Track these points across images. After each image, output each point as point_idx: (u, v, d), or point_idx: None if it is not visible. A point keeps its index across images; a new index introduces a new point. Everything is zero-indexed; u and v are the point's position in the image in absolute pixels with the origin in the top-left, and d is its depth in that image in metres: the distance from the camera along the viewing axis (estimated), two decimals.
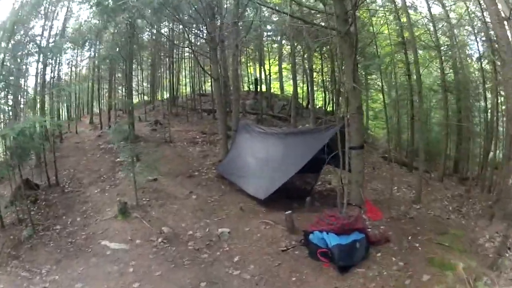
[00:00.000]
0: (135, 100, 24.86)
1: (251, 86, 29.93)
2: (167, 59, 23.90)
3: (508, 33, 7.51)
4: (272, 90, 28.36)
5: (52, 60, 15.85)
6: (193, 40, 18.46)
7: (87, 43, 18.41)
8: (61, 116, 20.71)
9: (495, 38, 13.43)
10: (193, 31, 17.41)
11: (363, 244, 7.50)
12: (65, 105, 21.67)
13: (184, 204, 10.65)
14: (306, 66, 22.00)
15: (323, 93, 26.95)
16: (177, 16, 14.19)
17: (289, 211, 8.79)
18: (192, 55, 20.23)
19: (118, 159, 13.93)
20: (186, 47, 20.45)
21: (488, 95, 17.66)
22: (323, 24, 11.38)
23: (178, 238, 8.95)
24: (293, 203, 10.77)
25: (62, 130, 17.54)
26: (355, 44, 9.40)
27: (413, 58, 15.82)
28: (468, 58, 18.64)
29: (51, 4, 15.29)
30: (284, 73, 29.67)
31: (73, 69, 21.41)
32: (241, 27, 15.11)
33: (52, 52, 13.48)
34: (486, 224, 9.83)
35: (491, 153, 16.85)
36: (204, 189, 12.12)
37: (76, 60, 20.87)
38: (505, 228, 7.47)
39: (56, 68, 17.74)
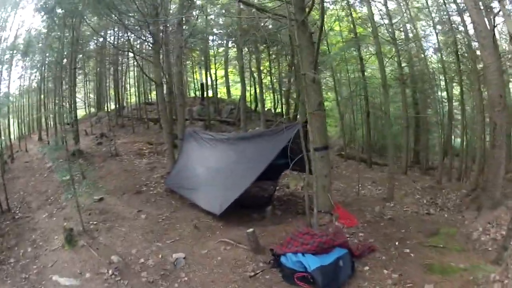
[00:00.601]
0: (82, 112, 24.50)
1: (197, 92, 29.76)
2: (112, 68, 23.21)
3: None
4: (219, 95, 28.43)
5: None
6: (136, 44, 17.12)
7: (35, 54, 18.02)
8: (12, 134, 19.71)
9: (458, 28, 13.40)
10: (134, 33, 16.05)
11: (347, 260, 6.52)
12: (15, 121, 20.83)
13: (133, 226, 9.60)
14: (254, 68, 21.99)
15: (272, 95, 26.98)
16: (115, 15, 12.76)
17: (251, 229, 7.49)
18: (135, 61, 19.66)
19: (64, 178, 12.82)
20: (128, 51, 19.31)
21: (449, 85, 17.79)
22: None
23: (129, 268, 7.75)
24: (252, 214, 10.03)
25: (12, 149, 16.90)
26: (320, 33, 8.51)
27: (365, 55, 15.38)
28: (426, 51, 18.96)
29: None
30: (230, 77, 29.89)
31: (22, 82, 20.76)
32: (185, 29, 14.78)
33: None
34: (474, 216, 9.29)
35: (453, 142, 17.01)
36: (153, 206, 11.14)
37: (25, 73, 20.42)
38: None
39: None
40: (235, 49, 23.62)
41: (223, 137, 11.91)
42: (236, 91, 29.69)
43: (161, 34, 13.53)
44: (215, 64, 26.67)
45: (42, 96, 20.30)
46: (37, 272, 7.88)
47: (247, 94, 25.57)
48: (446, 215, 10.27)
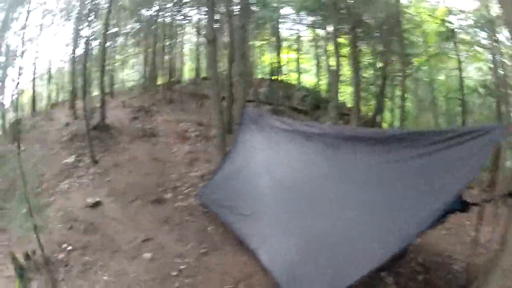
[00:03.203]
0: (129, 84, 24.14)
1: (264, 75, 26.83)
2: (168, 40, 21.66)
3: None
4: (289, 80, 25.43)
5: None
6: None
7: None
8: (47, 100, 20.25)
9: None
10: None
11: None
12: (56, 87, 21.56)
13: (125, 273, 6.16)
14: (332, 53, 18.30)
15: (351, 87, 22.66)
16: None
17: None
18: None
19: (67, 160, 10.78)
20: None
21: None
22: None
23: None
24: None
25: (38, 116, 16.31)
26: None
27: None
28: None
29: None
30: (302, 63, 26.52)
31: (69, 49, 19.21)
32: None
33: None
34: None
35: None
36: (173, 234, 7.24)
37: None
38: None
39: None
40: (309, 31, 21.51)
41: (313, 130, 6.47)
42: (306, 78, 26.21)
43: None
44: (286, 47, 23.79)
45: (87, 64, 18.43)
46: None
47: (320, 82, 23.69)
48: None
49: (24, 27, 15.15)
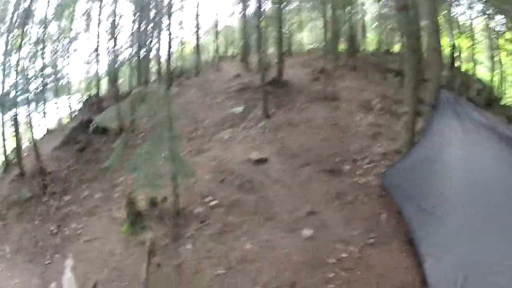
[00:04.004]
0: (307, 47, 24.58)
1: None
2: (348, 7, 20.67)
3: None
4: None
5: None
6: None
7: None
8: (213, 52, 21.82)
9: None
10: None
11: None
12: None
13: (273, 248, 5.53)
14: None
15: None
16: None
17: None
18: None
19: (232, 110, 11.04)
20: None
21: None
22: None
23: None
24: None
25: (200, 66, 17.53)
26: None
27: None
28: None
29: None
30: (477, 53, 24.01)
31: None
32: None
33: None
34: None
35: None
36: (341, 213, 6.35)
37: None
38: None
39: None
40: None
41: None
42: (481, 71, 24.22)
43: None
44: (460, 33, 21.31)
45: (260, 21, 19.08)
46: None
47: (494, 78, 21.00)
48: None
49: None
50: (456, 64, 19.79)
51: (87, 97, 16.72)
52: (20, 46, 11.12)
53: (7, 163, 11.72)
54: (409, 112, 8.13)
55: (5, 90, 10.85)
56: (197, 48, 19.28)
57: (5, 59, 10.95)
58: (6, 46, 10.88)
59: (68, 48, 15.73)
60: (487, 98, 17.05)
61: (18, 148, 10.91)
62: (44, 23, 12.86)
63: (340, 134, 9.33)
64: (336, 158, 8.04)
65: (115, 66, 14.31)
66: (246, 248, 5.46)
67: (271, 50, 19.77)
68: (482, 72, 22.90)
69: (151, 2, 15.96)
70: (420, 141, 7.07)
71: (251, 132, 9.35)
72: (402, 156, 7.53)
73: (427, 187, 6.04)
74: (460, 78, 18.49)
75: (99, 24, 14.49)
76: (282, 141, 8.61)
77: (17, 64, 11.10)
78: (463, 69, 22.00)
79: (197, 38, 18.71)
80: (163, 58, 16.67)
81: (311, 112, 10.68)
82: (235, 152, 8.22)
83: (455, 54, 19.32)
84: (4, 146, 11.92)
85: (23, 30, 11.19)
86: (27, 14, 11.12)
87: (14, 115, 10.89)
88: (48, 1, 12.91)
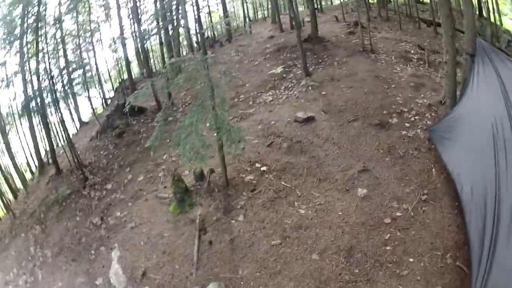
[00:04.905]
0: (337, 1, 23.60)
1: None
2: None
3: None
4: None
5: None
6: None
7: None
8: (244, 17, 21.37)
9: None
10: None
11: None
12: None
13: (329, 211, 5.51)
14: None
15: None
16: None
17: None
18: None
19: (272, 71, 10.49)
20: None
21: None
22: None
23: None
24: None
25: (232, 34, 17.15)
26: None
27: None
28: None
29: None
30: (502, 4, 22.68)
31: None
32: None
33: None
34: None
35: None
36: (394, 169, 6.24)
37: None
38: None
39: None
40: None
41: None
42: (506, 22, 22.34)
43: None
44: None
45: None
46: None
47: None
48: None
49: None
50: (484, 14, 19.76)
51: (119, 82, 16.51)
52: (37, 51, 10.82)
53: (42, 165, 11.65)
54: (449, 63, 8.06)
55: (30, 95, 10.61)
56: (226, 15, 19.17)
57: (23, 66, 10.78)
58: (23, 53, 10.70)
59: (90, 40, 15.39)
60: None
61: (51, 148, 10.75)
62: (60, 22, 12.43)
63: (384, 86, 9.02)
64: (383, 110, 7.87)
65: (144, 43, 13.90)
66: (301, 213, 5.38)
67: (300, 8, 19.41)
68: (507, 24, 22.29)
69: None
70: (462, 94, 7.06)
71: (294, 91, 9.14)
72: (446, 108, 7.61)
73: (472, 142, 5.88)
74: (490, 28, 18.64)
75: (119, 9, 13.91)
76: (326, 98, 8.33)
77: (38, 68, 10.69)
78: (491, 19, 21.66)
79: (224, 5, 18.40)
80: (192, 30, 16.12)
81: (351, 66, 10.37)
82: (280, 113, 7.99)
83: (484, 4, 19.21)
84: (37, 148, 11.86)
85: (37, 34, 10.87)
86: (38, 18, 10.69)
87: (43, 117, 10.55)
88: (59, 1, 12.36)
